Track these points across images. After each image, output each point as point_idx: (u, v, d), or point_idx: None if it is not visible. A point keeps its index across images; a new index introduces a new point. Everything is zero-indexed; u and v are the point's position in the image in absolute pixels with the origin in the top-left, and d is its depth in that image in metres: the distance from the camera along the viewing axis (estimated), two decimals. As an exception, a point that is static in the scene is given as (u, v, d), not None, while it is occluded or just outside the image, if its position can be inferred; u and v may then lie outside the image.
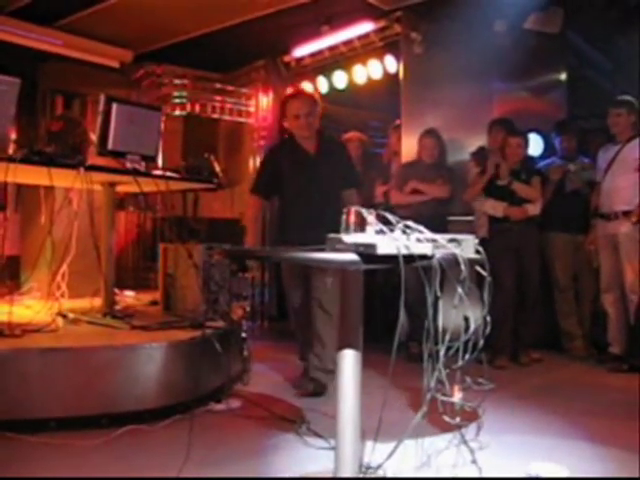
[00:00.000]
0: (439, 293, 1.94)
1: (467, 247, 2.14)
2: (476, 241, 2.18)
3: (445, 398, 2.07)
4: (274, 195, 4.47)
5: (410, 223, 1.97)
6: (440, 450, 2.76)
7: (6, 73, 6.70)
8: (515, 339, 5.22)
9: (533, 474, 2.60)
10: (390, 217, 1.97)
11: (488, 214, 5.35)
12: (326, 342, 4.06)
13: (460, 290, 1.95)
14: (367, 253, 1.79)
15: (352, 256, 1.82)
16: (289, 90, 3.75)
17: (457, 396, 2.08)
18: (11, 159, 3.50)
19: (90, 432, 3.10)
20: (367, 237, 1.87)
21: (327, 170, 4.22)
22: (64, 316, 4.09)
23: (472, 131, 5.98)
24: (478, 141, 5.88)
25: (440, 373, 2.00)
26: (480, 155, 5.70)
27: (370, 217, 1.93)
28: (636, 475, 2.71)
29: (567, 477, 2.52)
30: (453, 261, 1.94)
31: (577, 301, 5.67)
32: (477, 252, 2.19)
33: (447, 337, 2.12)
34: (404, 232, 1.93)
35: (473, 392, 2.62)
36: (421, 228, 1.97)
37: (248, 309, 4.92)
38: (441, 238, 2.01)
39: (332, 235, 1.91)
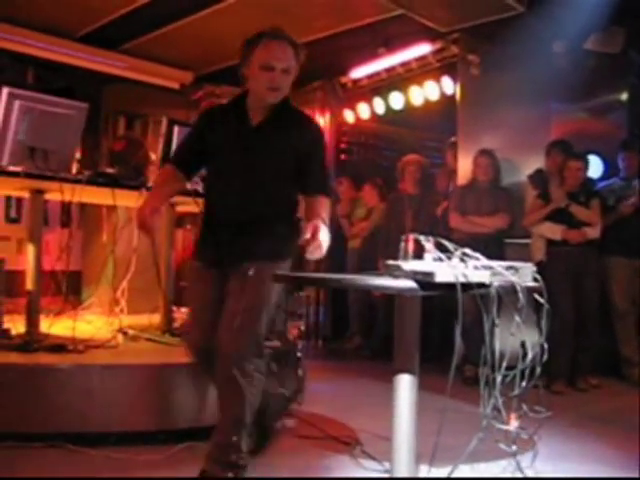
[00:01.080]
0: (497, 321, 1.94)
1: (525, 274, 2.14)
2: (534, 268, 2.17)
3: (501, 426, 2.06)
4: (193, 173, 3.11)
5: (468, 251, 1.98)
6: (495, 476, 2.74)
7: (72, 95, 6.97)
8: (573, 364, 5.13)
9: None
10: (448, 245, 1.99)
11: (546, 237, 5.29)
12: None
13: (517, 318, 1.94)
14: (425, 281, 1.80)
15: (410, 283, 1.84)
16: (266, 32, 2.72)
17: (513, 424, 2.07)
18: (77, 181, 3.63)
19: (148, 448, 3.17)
20: (425, 265, 1.89)
21: (273, 154, 2.82)
22: (124, 333, 4.18)
23: (529, 153, 5.95)
24: (535, 163, 5.83)
25: (497, 400, 1.99)
26: (538, 178, 5.65)
27: (428, 245, 1.95)
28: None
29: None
30: (510, 289, 1.94)
31: (637, 327, 5.54)
32: (535, 279, 2.18)
33: (504, 363, 2.11)
34: (462, 260, 1.94)
35: (529, 419, 2.60)
36: (478, 255, 1.98)
37: (303, 328, 4.97)
38: (498, 265, 2.02)
39: (390, 262, 1.93)
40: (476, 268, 1.94)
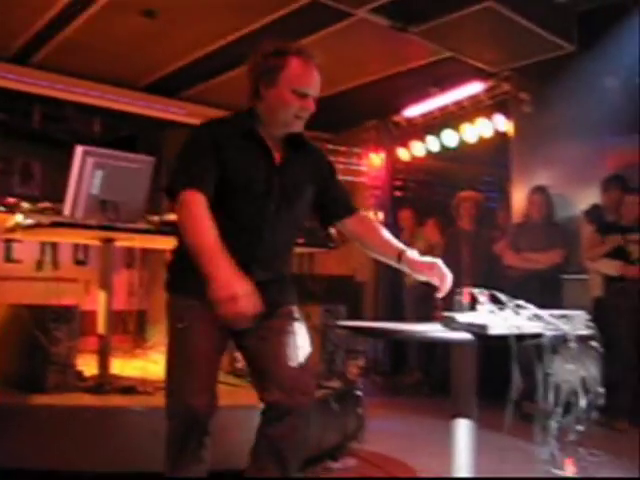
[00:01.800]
0: (550, 370, 2.01)
1: (577, 322, 2.21)
2: (587, 317, 2.23)
3: (556, 470, 2.11)
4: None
5: (521, 302, 2.07)
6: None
7: (134, 142, 7.26)
8: (637, 401, 5.09)
9: None
10: (502, 296, 2.07)
11: (603, 273, 5.30)
12: None
13: (569, 366, 2.01)
14: (480, 333, 1.90)
15: (466, 335, 1.94)
16: (296, 49, 2.33)
17: (569, 468, 2.12)
18: (146, 231, 3.82)
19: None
20: (479, 317, 1.98)
21: (300, 199, 2.48)
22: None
23: (583, 188, 5.97)
24: (589, 197, 5.85)
25: (551, 445, 2.05)
26: (594, 213, 5.66)
27: (482, 297, 2.04)
28: None
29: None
30: (562, 339, 2.01)
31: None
32: (588, 327, 2.24)
33: (560, 404, 2.15)
34: (515, 311, 2.03)
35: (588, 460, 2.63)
36: (531, 306, 2.06)
37: (362, 365, 5.06)
38: (550, 315, 2.09)
39: (447, 314, 2.03)
40: (529, 319, 2.02)
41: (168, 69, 6.79)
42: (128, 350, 5.16)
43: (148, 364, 4.29)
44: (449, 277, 2.38)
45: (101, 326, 4.03)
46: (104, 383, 3.83)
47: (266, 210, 2.37)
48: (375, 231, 2.57)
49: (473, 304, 2.09)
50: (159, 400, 3.66)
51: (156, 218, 4.16)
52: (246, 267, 2.19)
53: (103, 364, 3.98)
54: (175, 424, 2.42)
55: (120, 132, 7.33)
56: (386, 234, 2.55)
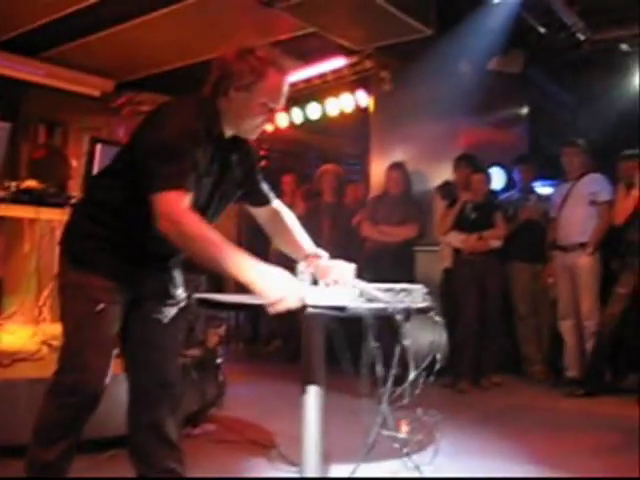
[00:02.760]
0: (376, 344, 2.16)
1: (417, 296, 2.41)
2: (425, 290, 2.44)
3: (389, 432, 2.32)
4: None
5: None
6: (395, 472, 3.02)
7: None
8: (477, 364, 5.51)
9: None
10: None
11: (452, 245, 5.67)
12: None
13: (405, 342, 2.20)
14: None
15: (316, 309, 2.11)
16: (278, 63, 2.28)
17: (403, 429, 2.33)
18: (2, 199, 3.73)
19: (77, 456, 3.30)
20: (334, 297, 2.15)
21: (237, 187, 2.55)
22: (49, 345, 4.29)
23: (438, 164, 6.32)
24: (443, 173, 6.21)
25: (384, 409, 2.24)
26: (446, 189, 6.02)
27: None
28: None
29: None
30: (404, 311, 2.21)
31: (536, 327, 5.97)
32: (426, 299, 2.45)
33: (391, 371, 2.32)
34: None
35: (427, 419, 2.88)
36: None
37: (223, 333, 5.16)
38: (389, 289, 2.28)
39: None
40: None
41: (27, 26, 6.49)
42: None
43: (4, 335, 4.20)
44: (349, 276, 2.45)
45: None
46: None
47: (205, 207, 2.36)
48: (286, 229, 2.63)
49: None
50: (15, 372, 3.65)
51: (13, 185, 4.07)
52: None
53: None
54: (72, 401, 2.33)
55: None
56: (297, 232, 2.63)
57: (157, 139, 2.18)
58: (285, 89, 2.33)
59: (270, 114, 2.34)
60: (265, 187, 2.66)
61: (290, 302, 2.02)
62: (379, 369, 2.16)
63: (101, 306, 2.28)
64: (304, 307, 2.08)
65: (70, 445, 2.38)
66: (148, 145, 2.21)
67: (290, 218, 2.68)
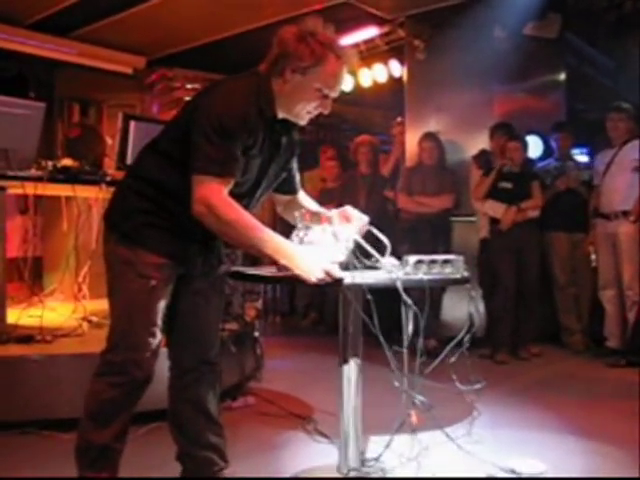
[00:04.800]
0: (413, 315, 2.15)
1: (457, 266, 2.39)
2: (464, 261, 2.41)
3: (425, 404, 2.32)
4: None
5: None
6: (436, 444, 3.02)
7: (26, 82, 6.97)
8: (515, 335, 5.46)
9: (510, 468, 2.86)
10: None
11: (489, 215, 5.60)
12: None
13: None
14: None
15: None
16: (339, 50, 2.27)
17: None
18: (39, 178, 3.77)
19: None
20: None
21: (279, 169, 2.51)
22: (89, 321, 4.36)
23: (473, 133, 6.23)
24: (479, 143, 6.12)
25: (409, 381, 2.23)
26: (482, 158, 5.93)
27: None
28: (619, 470, 2.93)
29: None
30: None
31: (575, 297, 5.89)
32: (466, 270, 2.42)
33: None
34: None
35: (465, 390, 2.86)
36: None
37: (260, 307, 5.18)
38: (432, 261, 2.26)
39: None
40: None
41: (58, 6, 6.52)
42: (24, 299, 5.09)
43: (45, 312, 4.26)
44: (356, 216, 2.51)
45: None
46: (1, 333, 3.81)
47: (254, 188, 2.39)
48: (299, 205, 2.63)
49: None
50: (57, 348, 3.72)
51: (49, 164, 4.10)
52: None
53: (-1, 314, 3.96)
54: (123, 381, 2.32)
55: (7, 72, 7.03)
56: (310, 204, 2.65)
57: (210, 119, 2.17)
58: (343, 77, 2.31)
59: (324, 100, 2.31)
60: (298, 177, 2.66)
61: (328, 277, 2.08)
62: (416, 341, 2.15)
63: (153, 282, 2.27)
64: (339, 281, 2.09)
65: (123, 425, 2.38)
66: (200, 123, 2.19)
67: (307, 201, 2.69)
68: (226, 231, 2.16)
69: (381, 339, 2.22)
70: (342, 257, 2.28)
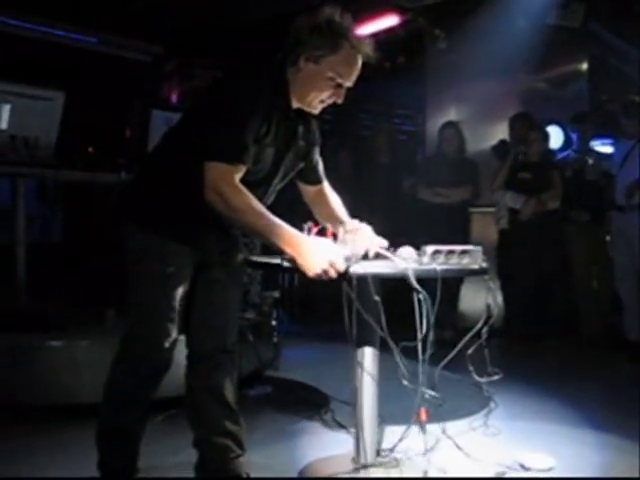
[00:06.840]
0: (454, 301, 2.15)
1: (476, 257, 2.38)
2: (482, 252, 2.40)
3: (440, 396, 2.32)
4: None
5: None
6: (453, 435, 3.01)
7: (44, 69, 6.98)
8: (533, 326, 5.43)
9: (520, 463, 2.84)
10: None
11: (508, 206, 5.56)
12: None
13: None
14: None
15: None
16: (354, 39, 2.24)
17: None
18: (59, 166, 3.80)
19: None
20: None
21: (296, 158, 2.49)
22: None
23: (494, 123, 6.20)
24: (499, 133, 6.08)
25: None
26: (501, 148, 5.89)
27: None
28: (635, 465, 2.90)
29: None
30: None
31: (595, 290, 5.83)
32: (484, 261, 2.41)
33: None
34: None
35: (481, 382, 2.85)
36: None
37: (278, 296, 5.19)
38: (450, 252, 2.25)
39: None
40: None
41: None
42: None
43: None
44: (376, 242, 2.48)
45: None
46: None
47: (269, 177, 2.38)
48: (329, 206, 2.66)
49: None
50: (78, 334, 3.74)
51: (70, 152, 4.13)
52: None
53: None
54: (142, 367, 2.35)
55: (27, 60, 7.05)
56: (338, 209, 2.66)
57: (224, 106, 2.19)
58: (358, 67, 2.27)
59: (337, 90, 2.28)
60: (321, 167, 2.65)
61: (332, 270, 2.12)
62: (432, 332, 2.15)
63: (172, 269, 2.27)
64: (343, 276, 2.10)
65: (143, 411, 2.41)
66: (215, 110, 2.20)
67: (334, 198, 2.70)
68: (235, 217, 2.16)
69: (390, 343, 2.24)
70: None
